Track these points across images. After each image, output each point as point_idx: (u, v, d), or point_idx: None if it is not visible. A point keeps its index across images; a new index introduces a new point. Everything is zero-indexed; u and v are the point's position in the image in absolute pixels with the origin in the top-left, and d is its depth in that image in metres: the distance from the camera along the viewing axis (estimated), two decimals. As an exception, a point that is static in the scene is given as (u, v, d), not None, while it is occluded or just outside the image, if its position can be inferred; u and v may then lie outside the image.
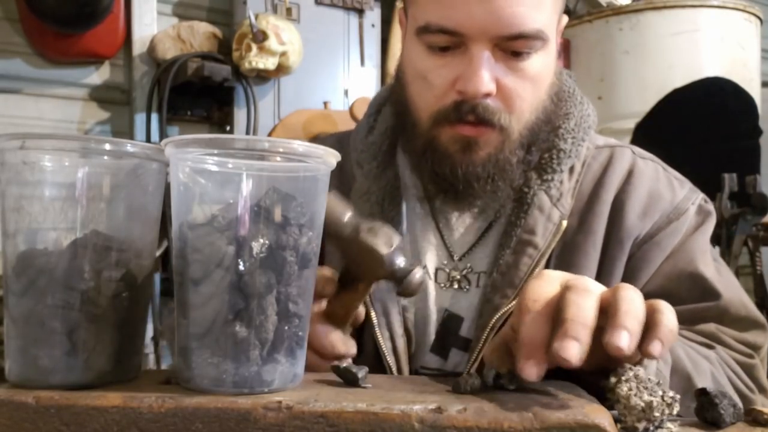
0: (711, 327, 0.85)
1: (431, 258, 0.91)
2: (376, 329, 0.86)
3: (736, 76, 2.80)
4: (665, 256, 0.87)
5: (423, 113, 0.85)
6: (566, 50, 2.95)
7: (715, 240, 2.47)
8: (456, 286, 0.90)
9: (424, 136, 0.85)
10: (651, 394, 0.52)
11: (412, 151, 0.89)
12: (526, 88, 0.82)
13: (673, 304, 0.84)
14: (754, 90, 2.89)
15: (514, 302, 0.83)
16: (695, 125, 2.72)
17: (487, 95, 0.80)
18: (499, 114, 0.82)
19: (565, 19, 0.90)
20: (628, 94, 2.81)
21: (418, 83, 0.85)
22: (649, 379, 0.54)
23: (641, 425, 0.52)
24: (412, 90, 0.86)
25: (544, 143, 0.89)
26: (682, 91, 2.72)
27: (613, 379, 0.55)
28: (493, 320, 0.83)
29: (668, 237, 0.87)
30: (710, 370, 0.78)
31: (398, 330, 0.87)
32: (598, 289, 0.57)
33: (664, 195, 0.90)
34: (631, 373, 0.55)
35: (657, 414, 0.52)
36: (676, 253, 0.88)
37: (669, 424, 0.53)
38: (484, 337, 0.83)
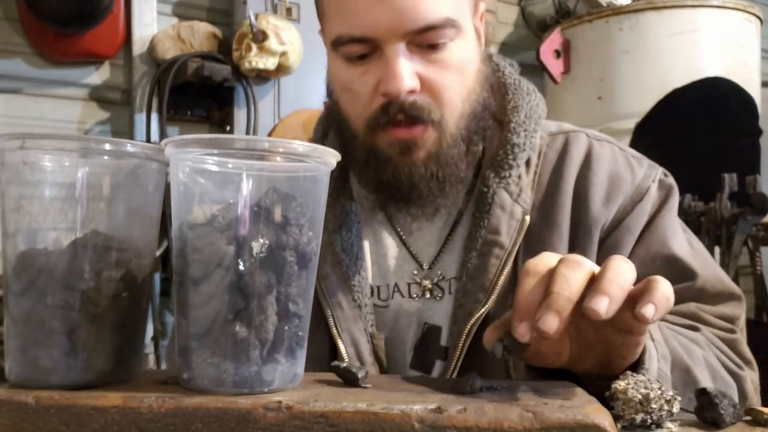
0: (691, 306, 0.85)
1: (401, 273, 0.90)
2: (346, 360, 0.84)
3: (736, 76, 2.80)
4: (635, 239, 0.87)
5: (357, 123, 0.85)
6: (566, 50, 2.95)
7: (715, 240, 2.47)
8: (428, 295, 0.88)
9: (363, 145, 0.85)
10: (649, 390, 0.53)
11: (355, 162, 0.89)
12: (451, 77, 0.82)
13: None
14: (754, 90, 2.89)
15: (487, 306, 0.82)
16: (695, 125, 2.72)
17: (411, 92, 0.80)
18: (429, 109, 0.81)
19: (483, 5, 0.89)
20: (627, 94, 2.81)
21: (345, 96, 0.86)
22: (648, 379, 0.54)
23: (639, 417, 0.52)
24: (342, 103, 0.87)
25: (486, 132, 0.88)
26: (682, 91, 2.72)
27: (614, 385, 0.55)
28: (468, 326, 0.81)
29: (635, 219, 0.87)
30: (703, 356, 0.77)
31: (368, 358, 0.86)
32: (591, 265, 0.58)
33: (625, 177, 0.89)
34: (632, 379, 0.55)
35: (654, 406, 0.52)
36: (646, 234, 0.87)
37: (669, 424, 0.53)
38: (460, 345, 0.82)
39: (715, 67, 2.76)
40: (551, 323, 0.54)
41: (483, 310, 0.81)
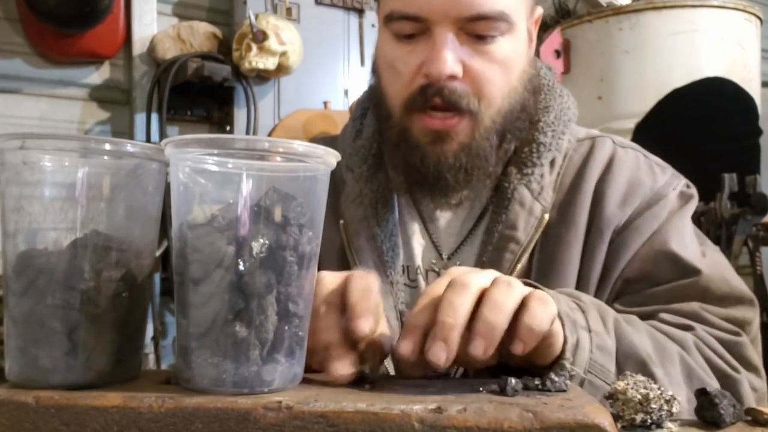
0: (694, 306, 0.83)
1: (423, 258, 0.91)
2: None
3: (736, 76, 2.79)
4: (643, 241, 0.86)
5: (394, 102, 0.85)
6: (566, 50, 2.95)
7: (715, 240, 2.47)
8: None
9: (397, 126, 0.86)
10: (648, 390, 0.53)
11: (387, 142, 0.89)
12: (494, 71, 0.82)
13: (652, 285, 0.84)
14: (754, 90, 2.88)
15: None
16: (695, 125, 2.72)
17: (453, 78, 0.80)
18: (467, 98, 0.81)
19: (539, 10, 0.90)
20: (628, 94, 2.81)
21: (388, 73, 0.86)
22: (648, 380, 0.55)
23: (638, 417, 0.52)
24: (384, 80, 0.87)
25: (521, 132, 0.88)
26: (682, 91, 2.72)
27: (614, 385, 0.55)
28: None
29: (647, 221, 0.86)
30: (678, 353, 0.76)
31: (396, 336, 0.85)
32: (478, 284, 0.58)
33: (645, 182, 0.89)
34: (631, 379, 0.55)
35: (654, 406, 0.52)
36: (653, 235, 0.86)
37: (669, 424, 0.53)
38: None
39: (715, 67, 2.76)
40: (439, 353, 0.55)
41: None
